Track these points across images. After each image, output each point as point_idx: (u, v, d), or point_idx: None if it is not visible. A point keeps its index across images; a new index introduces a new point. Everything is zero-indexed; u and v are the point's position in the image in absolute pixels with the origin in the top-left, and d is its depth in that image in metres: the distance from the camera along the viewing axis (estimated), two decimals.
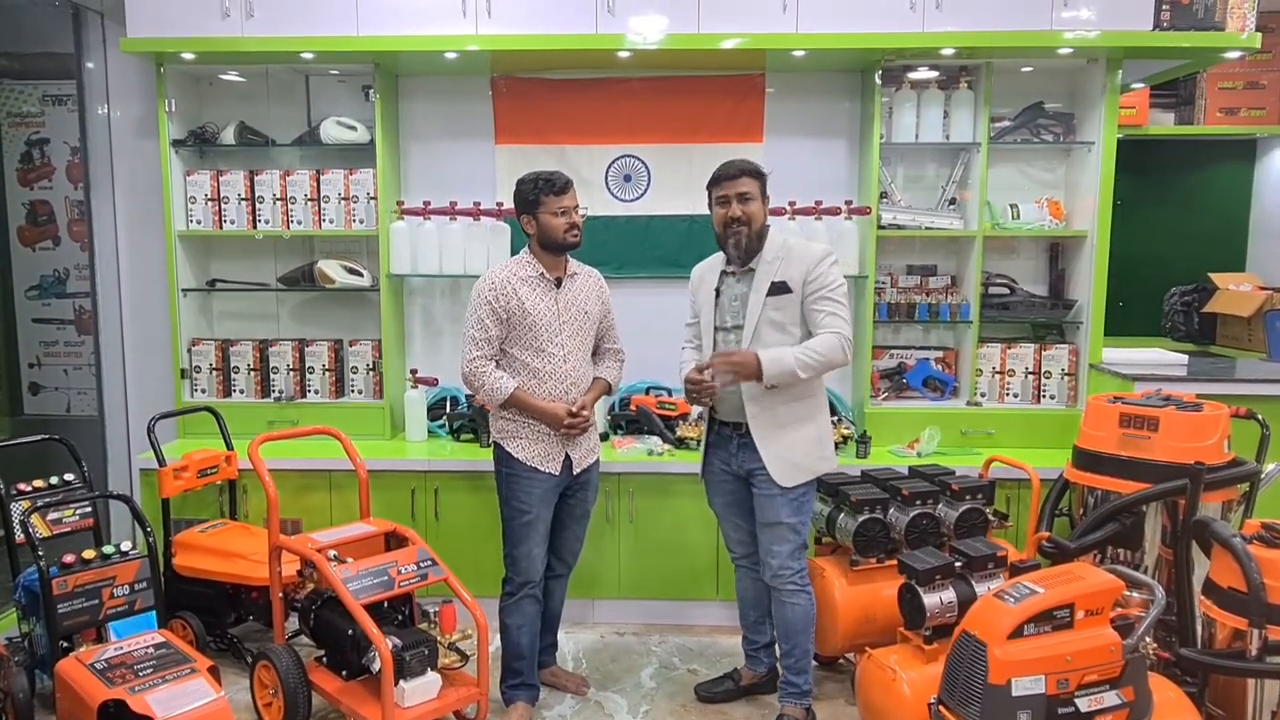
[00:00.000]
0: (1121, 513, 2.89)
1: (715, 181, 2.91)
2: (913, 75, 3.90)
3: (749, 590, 3.17)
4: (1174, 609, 2.75)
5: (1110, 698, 2.16)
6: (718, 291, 2.97)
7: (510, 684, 3.11)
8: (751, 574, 3.12)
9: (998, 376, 3.99)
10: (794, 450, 2.87)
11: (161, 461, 3.45)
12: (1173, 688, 2.44)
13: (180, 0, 3.65)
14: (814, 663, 3.12)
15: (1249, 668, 2.44)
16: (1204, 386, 3.45)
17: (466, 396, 4.07)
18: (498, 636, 3.13)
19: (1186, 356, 3.90)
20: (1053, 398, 3.97)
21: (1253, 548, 2.44)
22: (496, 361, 3.00)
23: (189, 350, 4.08)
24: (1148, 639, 2.21)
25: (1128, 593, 2.33)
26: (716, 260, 3.03)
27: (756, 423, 2.86)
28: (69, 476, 3.34)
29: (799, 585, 2.92)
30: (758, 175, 2.88)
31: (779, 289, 2.84)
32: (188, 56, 3.75)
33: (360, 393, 4.11)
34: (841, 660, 3.39)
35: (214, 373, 4.09)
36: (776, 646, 3.22)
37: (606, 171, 4.12)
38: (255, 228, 4.02)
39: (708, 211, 3.87)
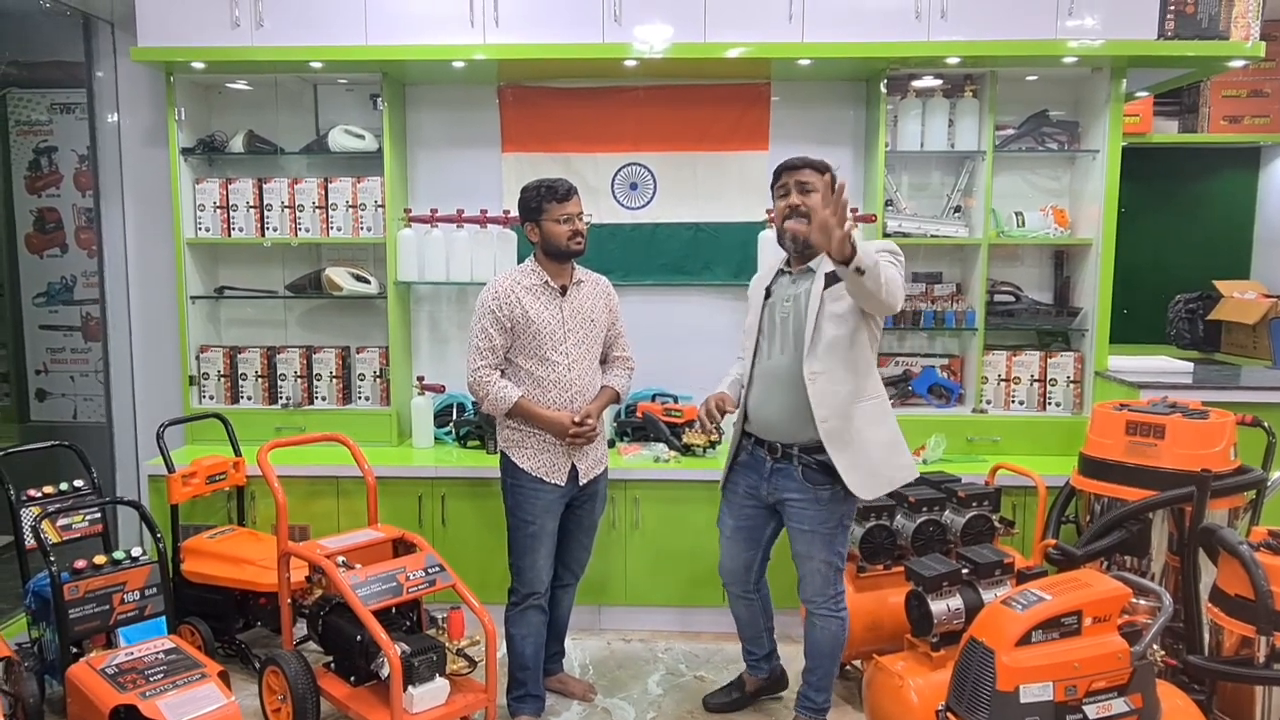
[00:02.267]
0: (1128, 520, 2.89)
1: (776, 175, 2.80)
2: (917, 84, 3.92)
3: (743, 613, 3.12)
4: (1181, 616, 2.76)
5: (1118, 705, 2.16)
6: (769, 291, 2.86)
7: (515, 695, 3.11)
8: (745, 600, 3.08)
9: (1003, 384, 4.00)
10: (869, 456, 2.70)
11: (170, 468, 3.47)
12: (1180, 695, 2.44)
13: (190, 10, 3.68)
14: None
15: (1256, 675, 2.44)
16: (1210, 394, 3.45)
17: (473, 403, 4.08)
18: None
19: (1192, 364, 3.90)
20: (1058, 405, 3.97)
21: (1260, 555, 2.44)
22: (502, 370, 3.00)
23: (197, 357, 4.10)
24: (1155, 646, 2.22)
25: (1135, 600, 2.33)
26: (775, 265, 2.92)
27: (828, 428, 2.67)
28: (78, 483, 3.35)
29: (832, 610, 2.85)
30: (822, 170, 2.75)
31: (835, 277, 2.65)
32: (197, 66, 3.78)
33: (367, 399, 4.13)
34: (849, 667, 3.39)
35: (222, 379, 4.11)
36: (778, 655, 3.23)
37: (613, 179, 4.14)
38: (263, 235, 4.04)
39: (715, 219, 3.87)
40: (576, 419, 2.95)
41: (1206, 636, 2.72)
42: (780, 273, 2.87)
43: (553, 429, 2.95)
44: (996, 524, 3.19)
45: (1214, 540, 2.61)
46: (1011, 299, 4.08)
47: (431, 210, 4.03)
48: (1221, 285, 4.90)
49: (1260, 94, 4.81)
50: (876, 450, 2.73)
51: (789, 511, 2.82)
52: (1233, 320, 4.73)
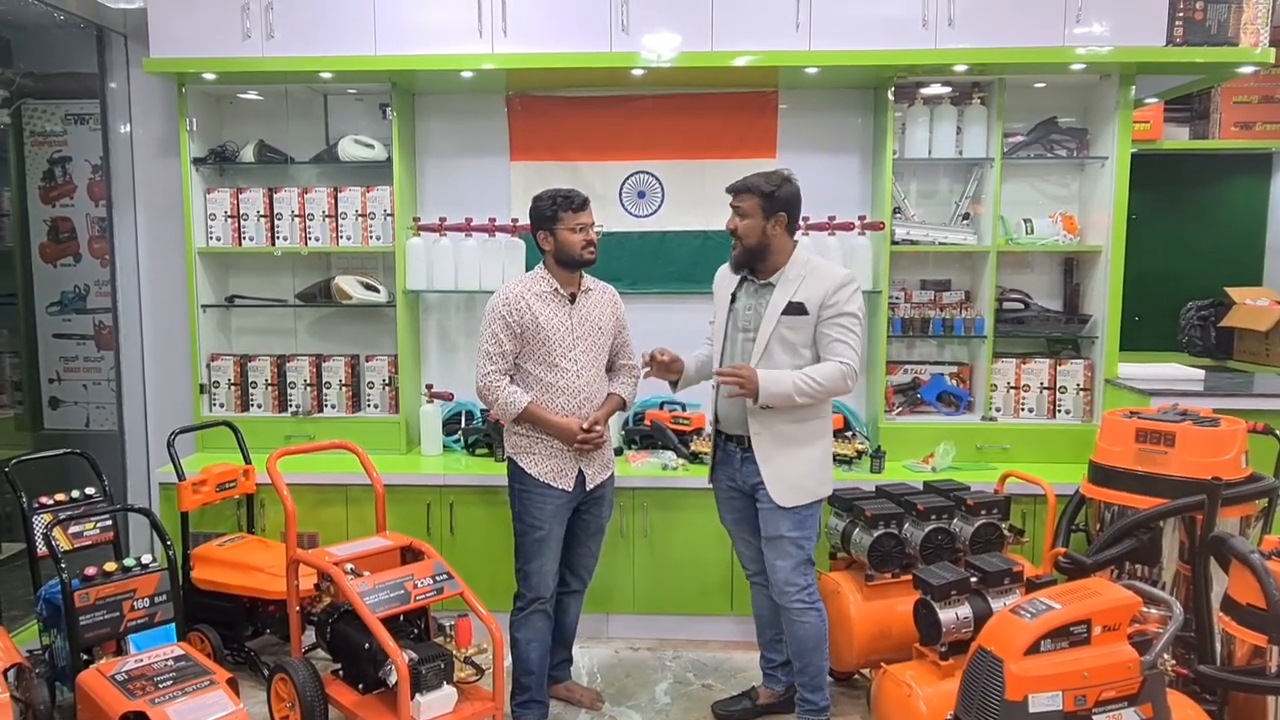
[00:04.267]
0: (1138, 528, 2.87)
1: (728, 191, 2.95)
2: (925, 91, 3.92)
3: (764, 608, 3.16)
4: (1192, 625, 2.74)
5: (1128, 715, 2.14)
6: (734, 296, 2.98)
7: (519, 701, 3.12)
8: (765, 590, 3.10)
9: (1012, 391, 3.98)
10: (793, 470, 2.86)
11: (181, 475, 3.49)
12: (1191, 705, 2.42)
13: (202, 22, 3.72)
14: (830, 678, 3.10)
15: (1268, 685, 2.42)
16: (1221, 401, 3.43)
17: (481, 411, 4.09)
18: None
19: (1203, 371, 3.88)
20: (1068, 413, 3.95)
21: (1271, 564, 2.42)
22: (511, 376, 3.02)
23: (208, 365, 4.12)
24: (1166, 655, 2.20)
25: (1145, 609, 2.32)
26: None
27: (759, 440, 2.86)
28: (90, 490, 3.37)
29: (806, 603, 2.90)
30: (758, 193, 2.85)
31: (795, 309, 2.84)
32: (209, 77, 3.82)
33: (376, 407, 4.14)
34: (857, 676, 3.38)
35: (232, 387, 4.13)
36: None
37: (620, 188, 4.15)
38: (274, 244, 4.06)
39: (722, 227, 3.90)
40: (585, 425, 2.97)
41: (1218, 646, 2.70)
42: (744, 280, 2.99)
43: (561, 435, 2.97)
44: (1005, 532, 3.17)
45: (1225, 549, 2.59)
46: (1021, 306, 4.07)
47: (440, 219, 4.05)
48: (1233, 292, 4.87)
49: (1272, 100, 4.79)
50: (802, 465, 2.88)
51: (760, 494, 2.91)
52: (1245, 327, 4.70)
